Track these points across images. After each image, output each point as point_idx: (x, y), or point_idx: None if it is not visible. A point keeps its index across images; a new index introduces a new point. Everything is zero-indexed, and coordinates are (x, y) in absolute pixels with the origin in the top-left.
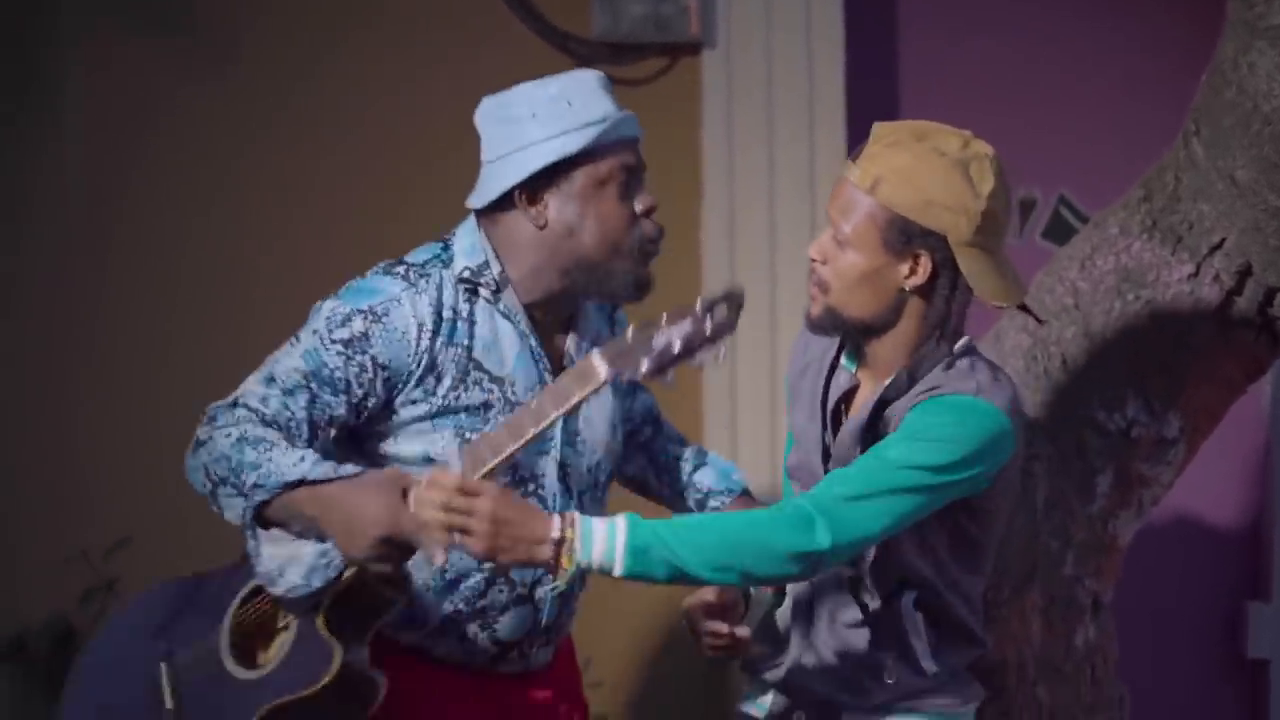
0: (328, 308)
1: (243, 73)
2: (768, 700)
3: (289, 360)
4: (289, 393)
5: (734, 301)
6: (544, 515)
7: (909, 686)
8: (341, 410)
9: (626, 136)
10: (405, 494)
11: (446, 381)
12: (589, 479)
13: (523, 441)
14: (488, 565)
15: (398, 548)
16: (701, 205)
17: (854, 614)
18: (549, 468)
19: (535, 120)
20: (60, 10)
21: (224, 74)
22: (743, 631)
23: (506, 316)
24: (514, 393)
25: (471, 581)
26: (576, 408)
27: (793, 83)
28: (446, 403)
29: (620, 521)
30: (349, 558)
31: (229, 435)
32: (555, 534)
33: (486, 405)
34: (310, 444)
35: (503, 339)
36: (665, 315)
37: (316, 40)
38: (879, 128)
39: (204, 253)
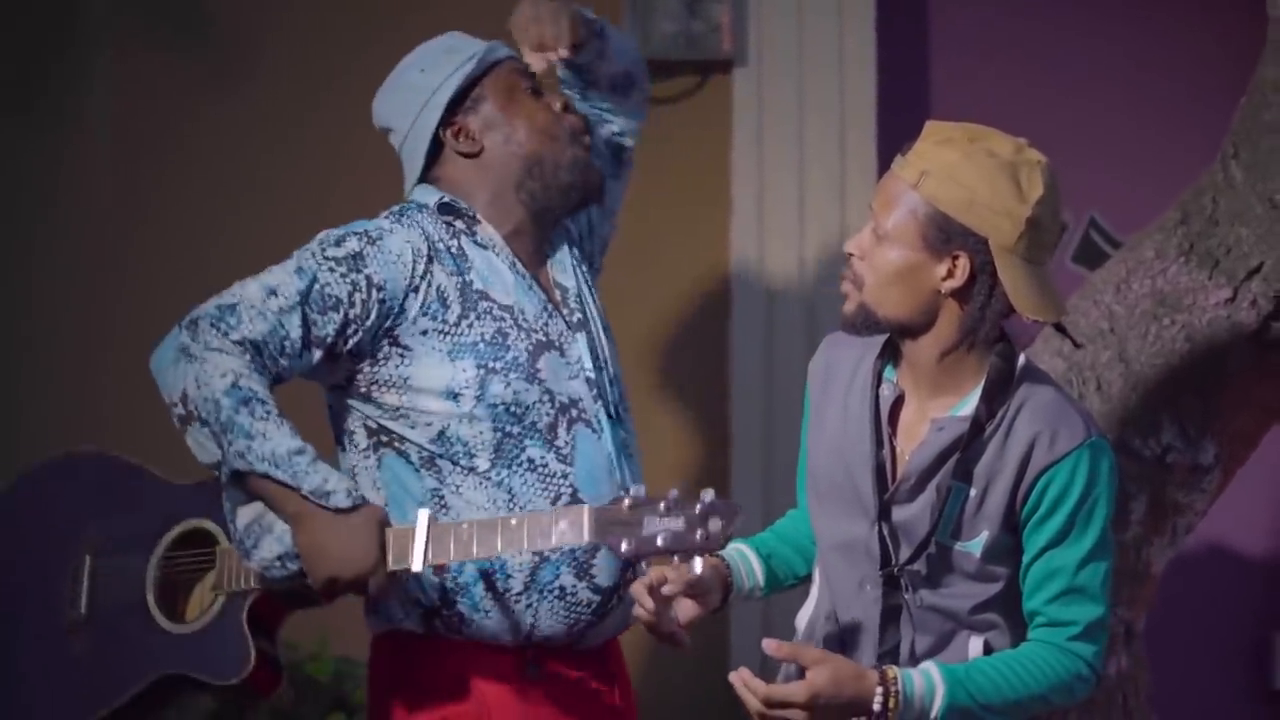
0: (321, 235)
1: (264, 83)
2: None
3: (287, 276)
4: (285, 311)
5: (731, 517)
6: (864, 691)
7: None
8: (331, 330)
9: (511, 56)
10: (384, 541)
11: (456, 309)
12: (617, 391)
13: (486, 556)
14: (561, 502)
15: (354, 588)
16: (731, 222)
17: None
18: (582, 390)
19: (425, 73)
20: (83, 22)
21: (245, 85)
22: (681, 635)
23: (486, 248)
24: (525, 320)
25: None
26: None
27: (824, 101)
28: (462, 335)
29: (939, 688)
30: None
31: (224, 376)
32: (877, 707)
33: (502, 334)
34: (300, 359)
35: (498, 270)
36: (667, 500)
37: (338, 51)
38: (931, 125)
39: (226, 266)
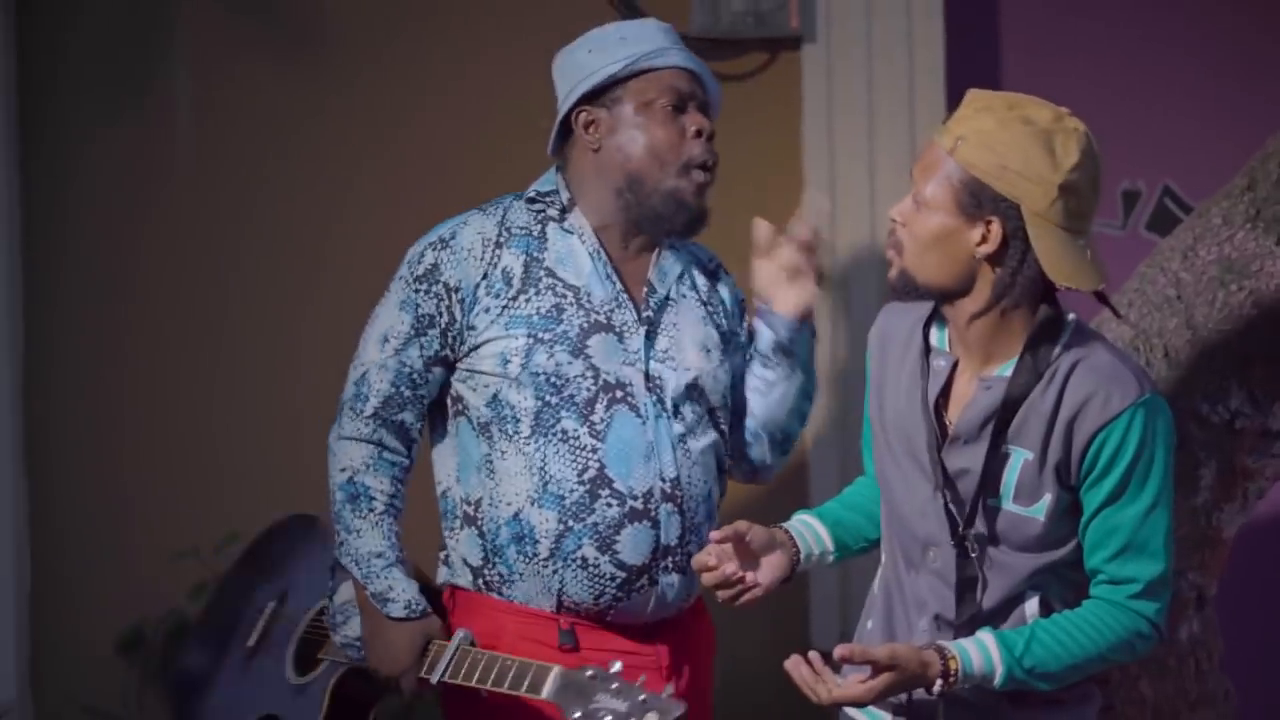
0: (410, 252)
1: (335, 61)
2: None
3: (392, 315)
4: (402, 349)
5: (669, 716)
6: (928, 680)
7: (1036, 701)
8: (437, 344)
9: (677, 65)
10: (427, 647)
11: (516, 284)
12: (685, 395)
13: (487, 687)
14: (587, 475)
15: (391, 681)
16: (803, 200)
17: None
18: (635, 378)
19: (591, 54)
20: (172, 10)
21: (317, 61)
22: (755, 589)
23: (574, 234)
24: (590, 302)
25: (576, 495)
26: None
27: (893, 76)
28: (518, 306)
29: (998, 668)
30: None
31: (343, 470)
32: (939, 688)
33: (558, 309)
34: (429, 383)
35: (576, 254)
36: (618, 681)
37: (412, 29)
38: (973, 93)
39: (307, 252)
